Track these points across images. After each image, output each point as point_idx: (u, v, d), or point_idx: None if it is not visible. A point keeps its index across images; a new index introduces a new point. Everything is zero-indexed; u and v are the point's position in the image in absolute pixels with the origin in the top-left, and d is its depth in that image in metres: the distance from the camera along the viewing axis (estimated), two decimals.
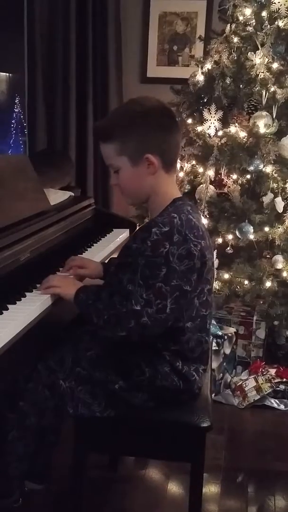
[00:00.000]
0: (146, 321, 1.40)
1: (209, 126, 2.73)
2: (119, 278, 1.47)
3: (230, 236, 2.70)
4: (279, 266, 2.64)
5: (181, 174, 2.84)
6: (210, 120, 2.72)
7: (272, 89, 2.64)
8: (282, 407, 2.56)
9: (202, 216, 2.66)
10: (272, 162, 2.60)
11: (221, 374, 2.63)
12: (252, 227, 2.62)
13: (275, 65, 2.67)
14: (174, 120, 1.56)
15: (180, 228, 1.42)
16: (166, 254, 1.40)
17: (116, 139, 1.50)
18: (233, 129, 2.68)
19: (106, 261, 1.87)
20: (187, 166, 2.84)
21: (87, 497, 1.67)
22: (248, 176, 2.68)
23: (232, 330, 2.73)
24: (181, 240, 1.41)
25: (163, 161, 1.51)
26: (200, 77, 2.87)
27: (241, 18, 2.78)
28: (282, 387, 2.60)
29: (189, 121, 2.86)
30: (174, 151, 1.55)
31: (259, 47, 2.68)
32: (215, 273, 2.68)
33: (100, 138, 1.56)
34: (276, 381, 2.58)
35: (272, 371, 2.62)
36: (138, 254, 1.43)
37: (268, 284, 2.61)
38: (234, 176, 2.71)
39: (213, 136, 2.71)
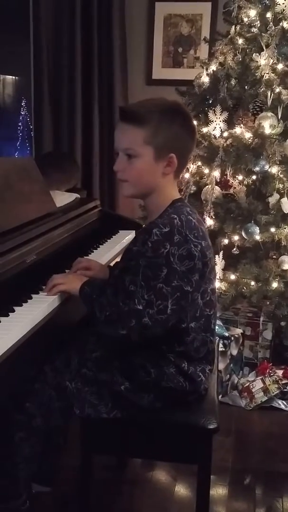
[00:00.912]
0: (147, 322, 1.41)
1: (215, 127, 2.73)
2: (123, 280, 1.47)
3: (236, 237, 2.70)
4: (286, 266, 2.63)
5: (187, 175, 2.84)
6: (215, 121, 2.73)
7: (277, 90, 2.65)
8: None
9: (207, 217, 2.66)
10: (278, 162, 2.60)
11: (228, 376, 2.62)
12: (258, 228, 2.62)
13: (280, 66, 2.68)
14: (196, 133, 1.57)
15: (181, 228, 1.42)
16: (166, 254, 1.40)
17: (150, 126, 1.45)
18: (238, 130, 2.68)
19: (112, 264, 1.87)
20: (192, 167, 2.84)
21: (94, 499, 1.67)
22: (254, 177, 2.68)
23: (238, 331, 2.72)
24: (181, 241, 1.41)
25: (178, 165, 1.51)
26: (205, 79, 2.88)
27: (245, 19, 2.79)
28: None
29: (195, 122, 2.85)
30: (188, 160, 1.59)
31: (264, 48, 2.69)
32: (221, 274, 2.68)
33: (129, 119, 1.47)
34: (283, 382, 2.57)
35: (280, 372, 2.61)
36: (139, 256, 1.43)
37: (274, 284, 2.61)
38: (240, 177, 2.71)
39: (219, 137, 2.71)
